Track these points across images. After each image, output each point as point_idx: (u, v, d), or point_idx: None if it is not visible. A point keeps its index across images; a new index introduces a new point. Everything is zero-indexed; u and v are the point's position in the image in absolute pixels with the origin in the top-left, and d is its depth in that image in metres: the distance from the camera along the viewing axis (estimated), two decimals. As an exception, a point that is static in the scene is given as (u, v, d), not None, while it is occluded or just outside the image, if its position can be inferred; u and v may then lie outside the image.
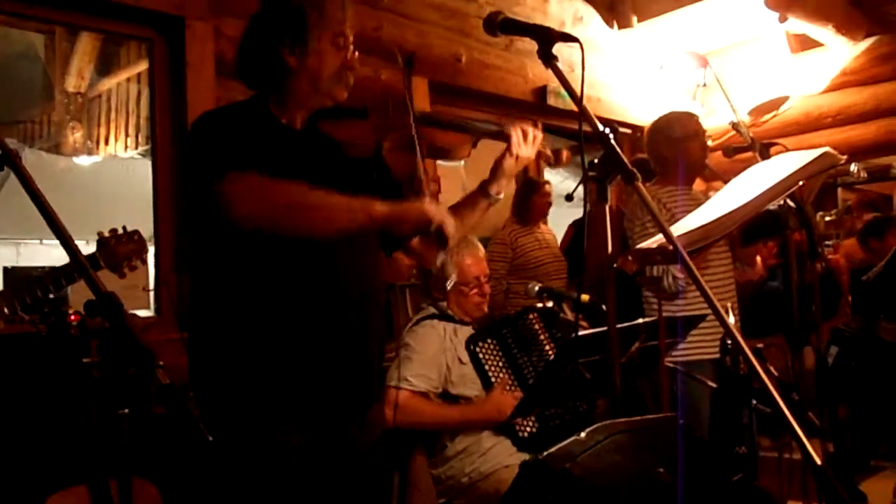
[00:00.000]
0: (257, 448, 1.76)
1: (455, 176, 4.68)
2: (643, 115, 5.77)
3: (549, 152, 2.19)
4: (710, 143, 3.44)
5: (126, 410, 1.67)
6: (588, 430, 1.34)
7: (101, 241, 2.32)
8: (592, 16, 5.48)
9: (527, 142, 2.09)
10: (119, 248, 2.28)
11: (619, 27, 5.58)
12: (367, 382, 1.95)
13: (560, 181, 7.68)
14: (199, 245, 1.90)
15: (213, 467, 1.74)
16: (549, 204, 4.86)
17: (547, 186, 4.88)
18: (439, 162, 2.31)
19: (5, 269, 6.45)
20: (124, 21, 3.45)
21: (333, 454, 1.86)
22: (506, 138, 2.09)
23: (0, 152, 1.29)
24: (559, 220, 5.53)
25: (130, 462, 1.73)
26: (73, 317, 2.67)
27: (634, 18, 5.51)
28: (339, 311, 1.84)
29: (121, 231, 2.30)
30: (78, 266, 1.25)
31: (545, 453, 1.30)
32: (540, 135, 2.13)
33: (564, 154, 2.22)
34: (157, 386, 1.13)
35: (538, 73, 4.94)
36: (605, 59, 5.51)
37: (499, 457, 2.77)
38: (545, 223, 4.81)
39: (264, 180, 1.69)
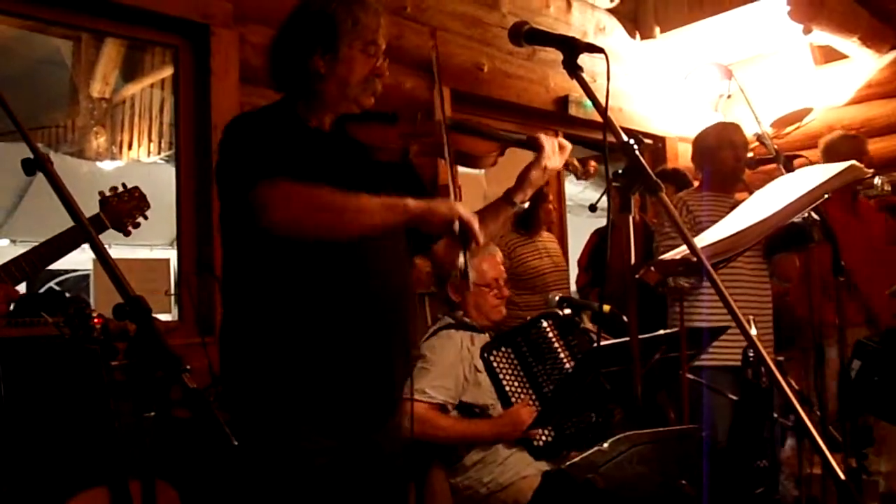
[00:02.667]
0: (283, 451, 1.77)
1: (476, 183, 4.68)
2: (665, 125, 5.77)
3: (576, 163, 2.19)
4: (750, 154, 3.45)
5: (151, 413, 1.67)
6: (611, 440, 1.34)
7: (103, 201, 2.33)
8: (615, 26, 5.48)
9: (555, 152, 2.09)
10: (121, 206, 2.29)
11: (642, 37, 5.57)
12: (393, 389, 1.96)
13: (579, 191, 7.66)
14: (230, 252, 1.91)
15: (237, 471, 1.75)
16: (553, 213, 4.83)
17: (552, 195, 4.86)
18: (461, 168, 2.31)
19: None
20: (150, 28, 3.49)
21: (358, 458, 1.87)
22: (535, 147, 2.10)
23: (32, 157, 1.31)
24: (580, 230, 5.52)
25: (154, 465, 1.73)
26: (96, 319, 2.70)
27: (657, 29, 5.50)
28: (370, 318, 1.85)
29: (121, 189, 2.31)
30: (107, 268, 1.26)
31: (568, 463, 1.29)
32: (569, 146, 2.14)
33: (592, 166, 2.22)
34: (183, 390, 1.13)
35: (560, 82, 4.94)
36: (627, 69, 5.51)
37: (516, 466, 2.77)
38: (548, 231, 4.78)
39: (296, 185, 1.70)
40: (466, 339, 2.88)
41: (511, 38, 1.89)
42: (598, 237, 5.28)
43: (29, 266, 1.99)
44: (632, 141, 1.73)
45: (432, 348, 2.85)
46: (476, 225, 1.81)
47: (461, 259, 1.85)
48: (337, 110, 1.95)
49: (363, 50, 1.90)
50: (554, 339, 2.93)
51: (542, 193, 4.79)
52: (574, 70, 1.81)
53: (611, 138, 1.71)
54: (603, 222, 5.99)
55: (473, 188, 4.53)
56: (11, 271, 1.96)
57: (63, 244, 2.02)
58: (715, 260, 2.00)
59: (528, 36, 1.87)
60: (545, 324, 2.95)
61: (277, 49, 1.95)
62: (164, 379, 1.12)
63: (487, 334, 2.96)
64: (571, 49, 1.79)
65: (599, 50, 1.78)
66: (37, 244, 2.01)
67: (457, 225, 1.79)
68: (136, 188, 2.41)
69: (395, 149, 1.96)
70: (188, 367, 1.14)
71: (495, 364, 2.85)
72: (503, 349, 2.90)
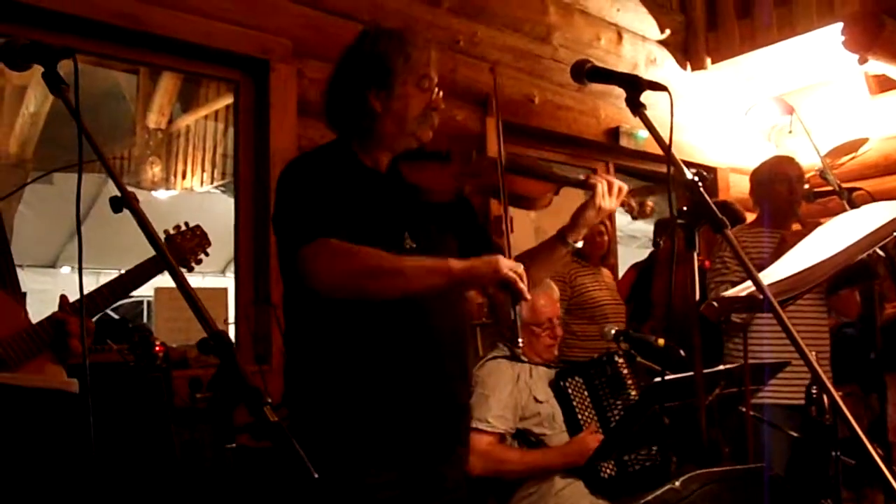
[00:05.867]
0: (348, 486, 1.78)
1: (525, 217, 4.69)
2: (717, 156, 5.73)
3: (633, 203, 2.19)
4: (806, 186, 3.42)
5: (233, 445, 1.70)
6: (683, 478, 1.33)
7: (168, 238, 2.40)
8: (666, 58, 5.48)
9: (611, 194, 2.08)
10: (185, 244, 2.36)
11: (693, 69, 5.56)
12: (455, 421, 1.97)
13: (627, 223, 7.62)
14: (290, 288, 1.94)
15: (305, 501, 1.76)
16: (608, 244, 4.79)
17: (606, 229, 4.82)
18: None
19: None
20: (212, 63, 3.58)
21: (424, 491, 1.87)
22: (590, 188, 2.08)
23: (120, 196, 1.35)
24: (628, 262, 5.50)
25: (237, 493, 1.76)
26: (158, 347, 2.76)
27: (708, 60, 5.49)
28: (429, 350, 1.86)
29: (184, 227, 2.38)
30: (188, 298, 1.29)
31: (641, 502, 1.29)
32: (625, 188, 2.12)
33: (649, 206, 2.21)
34: (264, 423, 1.16)
35: (610, 113, 4.95)
36: (678, 100, 5.47)
37: (571, 498, 2.74)
38: (605, 265, 4.75)
39: (340, 250, 1.72)
40: (525, 371, 2.88)
41: (573, 76, 1.90)
42: (637, 271, 5.25)
43: (111, 296, 2.04)
44: (696, 178, 1.73)
45: (487, 376, 2.85)
46: (522, 284, 1.77)
47: (511, 314, 1.83)
48: (395, 147, 1.97)
49: (417, 85, 1.92)
50: (627, 376, 2.93)
51: (600, 225, 4.73)
52: (637, 107, 1.82)
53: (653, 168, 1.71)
54: (642, 254, 5.94)
55: (522, 219, 4.53)
56: (96, 302, 2.02)
57: (139, 277, 2.08)
58: (781, 298, 1.98)
59: (590, 74, 1.88)
60: (620, 359, 2.95)
61: (332, 89, 1.98)
62: (248, 411, 1.14)
63: (547, 367, 2.96)
64: (634, 87, 1.81)
65: (663, 88, 1.79)
66: (115, 276, 2.06)
67: (503, 281, 1.76)
68: (198, 226, 2.47)
69: (448, 190, 1.98)
70: (269, 399, 1.16)
71: (570, 391, 2.85)
72: (576, 378, 2.91)
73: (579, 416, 2.83)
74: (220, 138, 6.34)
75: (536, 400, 2.84)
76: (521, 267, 1.79)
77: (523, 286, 1.77)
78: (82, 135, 1.46)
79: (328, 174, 1.86)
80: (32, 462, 1.21)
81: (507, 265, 1.77)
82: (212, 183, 6.65)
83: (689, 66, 5.58)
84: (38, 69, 1.53)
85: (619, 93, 1.80)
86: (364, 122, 1.93)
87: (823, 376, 1.50)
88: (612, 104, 4.91)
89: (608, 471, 2.79)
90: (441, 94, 1.98)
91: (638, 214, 2.22)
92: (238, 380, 1.19)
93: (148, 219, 1.36)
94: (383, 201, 1.90)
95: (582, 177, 2.11)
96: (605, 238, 4.63)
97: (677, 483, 1.31)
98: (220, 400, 1.89)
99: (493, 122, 4.33)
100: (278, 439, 1.15)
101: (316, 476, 1.13)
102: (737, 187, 5.71)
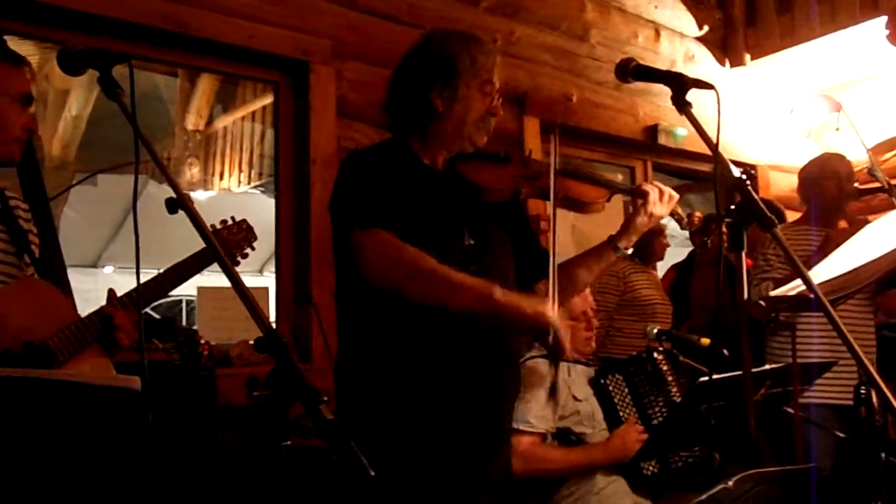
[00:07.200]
0: (404, 481, 1.79)
1: (564, 216, 4.67)
2: (757, 154, 5.66)
3: (681, 212, 2.18)
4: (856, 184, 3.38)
5: (287, 443, 1.72)
6: (735, 478, 1.33)
7: (215, 233, 2.42)
8: (704, 54, 5.43)
9: (662, 201, 2.08)
10: (231, 238, 2.38)
11: (732, 65, 5.50)
12: (501, 422, 1.97)
13: (666, 220, 7.54)
14: (343, 283, 1.95)
15: (357, 499, 1.77)
16: (667, 246, 4.76)
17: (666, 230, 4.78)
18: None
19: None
20: (253, 65, 3.63)
21: (471, 489, 1.88)
22: (641, 195, 2.09)
23: (175, 197, 1.38)
24: (668, 261, 5.44)
25: (290, 493, 1.78)
26: (203, 346, 2.80)
27: (747, 56, 5.42)
28: (480, 349, 1.86)
29: (230, 222, 2.41)
30: (242, 296, 1.31)
31: (695, 501, 1.29)
32: (676, 196, 2.12)
33: (696, 216, 2.21)
34: (320, 421, 1.17)
35: (649, 111, 4.92)
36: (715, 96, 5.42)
37: (613, 497, 2.73)
38: (655, 268, 4.72)
39: (396, 245, 1.73)
40: (563, 369, 2.87)
41: (618, 76, 1.90)
42: (676, 272, 5.20)
43: (158, 290, 2.07)
44: (744, 176, 1.72)
45: (526, 376, 2.84)
46: (567, 342, 1.74)
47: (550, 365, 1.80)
48: (451, 149, 1.98)
49: (480, 89, 1.94)
50: (668, 373, 2.91)
51: (658, 227, 4.70)
52: (683, 106, 1.80)
53: (700, 165, 1.69)
54: (681, 253, 5.84)
55: (562, 221, 4.51)
56: (144, 297, 2.04)
57: (184, 271, 2.10)
58: (832, 297, 1.96)
59: (635, 72, 1.87)
60: (659, 357, 2.93)
61: (396, 85, 1.99)
62: (305, 410, 1.15)
63: (585, 365, 2.95)
64: (680, 85, 1.79)
65: (709, 86, 1.78)
66: (162, 270, 2.09)
67: (550, 338, 1.72)
68: (244, 220, 2.49)
69: (505, 190, 1.98)
70: (325, 398, 1.18)
71: (611, 388, 2.85)
72: (617, 375, 2.90)
73: (621, 414, 2.82)
74: (258, 139, 6.40)
75: (575, 398, 2.83)
76: (565, 328, 1.77)
77: (567, 343, 1.75)
78: (138, 138, 1.48)
79: (390, 168, 1.88)
80: (94, 459, 1.24)
81: (553, 316, 1.72)
82: (249, 183, 6.71)
83: (727, 63, 5.52)
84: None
85: (658, 90, 1.80)
86: (423, 121, 1.95)
87: (877, 377, 1.48)
88: (650, 102, 4.88)
89: (650, 468, 2.78)
90: (500, 100, 1.99)
91: (686, 225, 2.21)
92: (295, 378, 1.21)
93: (203, 219, 1.39)
94: (443, 198, 1.92)
95: (631, 185, 2.11)
96: (666, 241, 4.62)
97: (730, 483, 1.31)
98: (276, 398, 1.91)
99: (528, 122, 4.33)
100: (334, 437, 1.16)
101: (372, 474, 1.14)
102: (776, 185, 5.64)
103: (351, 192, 1.87)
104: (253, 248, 2.59)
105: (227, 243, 2.45)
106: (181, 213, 1.39)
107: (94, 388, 1.15)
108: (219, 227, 2.51)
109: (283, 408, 1.15)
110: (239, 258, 2.51)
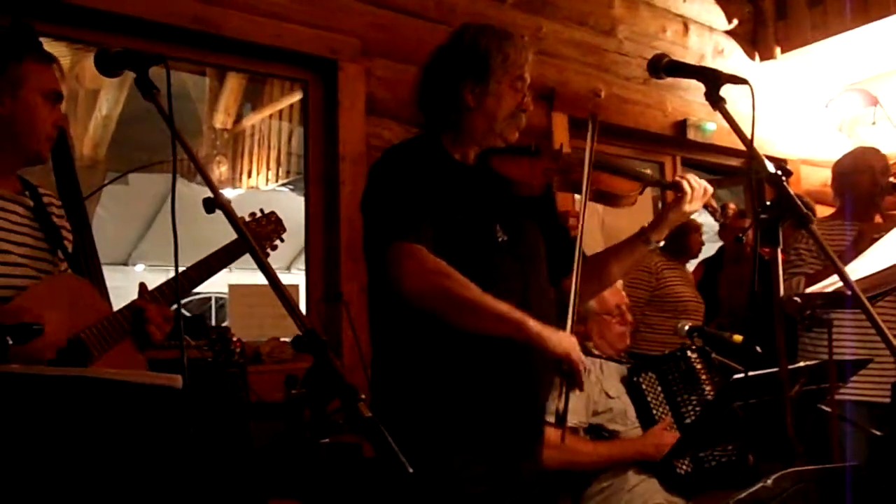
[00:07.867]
0: (442, 477, 1.79)
1: (592, 210, 4.65)
2: (788, 148, 5.59)
3: (715, 205, 2.16)
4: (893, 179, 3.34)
5: (326, 440, 1.73)
6: (774, 476, 1.31)
7: (245, 224, 2.44)
8: (733, 48, 5.38)
9: (697, 194, 2.07)
10: (260, 230, 2.39)
11: (762, 59, 5.44)
12: (538, 417, 1.97)
13: (699, 213, 7.49)
14: (375, 280, 1.95)
15: (395, 496, 1.78)
16: (703, 244, 4.72)
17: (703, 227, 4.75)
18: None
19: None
20: (282, 63, 3.64)
21: (506, 485, 1.88)
22: (675, 189, 2.08)
23: (212, 197, 1.39)
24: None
25: (327, 490, 1.79)
26: (235, 343, 2.82)
27: (777, 49, 5.36)
28: (519, 349, 1.84)
29: (259, 214, 2.42)
30: (279, 293, 1.31)
31: (734, 499, 1.28)
32: (711, 189, 2.11)
33: (732, 209, 2.19)
34: (359, 418, 1.18)
35: (677, 106, 4.88)
36: (747, 91, 5.37)
37: (645, 495, 2.71)
38: (688, 264, 4.67)
39: (431, 263, 1.74)
40: (595, 365, 2.86)
41: (651, 72, 1.89)
42: (706, 267, 5.15)
43: (188, 284, 2.08)
44: (779, 172, 1.70)
45: None
46: (582, 375, 1.79)
47: (561, 401, 1.81)
48: (482, 144, 1.98)
49: (511, 85, 1.94)
50: (701, 371, 2.89)
51: (695, 224, 4.66)
52: (717, 101, 1.80)
53: (728, 159, 1.68)
54: (711, 249, 5.76)
55: (591, 217, 4.50)
56: (175, 288, 2.05)
57: (214, 264, 2.11)
58: (869, 294, 1.93)
59: (668, 68, 1.87)
60: (693, 355, 2.91)
61: (428, 79, 1.99)
62: (342, 408, 1.16)
63: (617, 362, 2.94)
64: (714, 81, 1.79)
65: (743, 81, 1.77)
66: (191, 264, 2.10)
67: (565, 365, 1.77)
68: (272, 213, 2.51)
69: (537, 184, 1.98)
70: (363, 396, 1.18)
71: (644, 386, 2.84)
72: (649, 374, 2.88)
73: (654, 412, 2.80)
74: (286, 137, 6.44)
75: (608, 395, 2.82)
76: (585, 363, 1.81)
77: (583, 379, 1.79)
78: (175, 138, 1.50)
79: (423, 166, 1.88)
80: (134, 456, 1.26)
81: (574, 350, 1.78)
82: (276, 181, 6.76)
83: (757, 57, 5.46)
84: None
85: (687, 85, 1.80)
86: (454, 116, 1.95)
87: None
88: (679, 97, 4.84)
89: (684, 467, 2.76)
90: (531, 97, 1.99)
91: (720, 218, 2.20)
92: (333, 376, 1.21)
93: (239, 218, 1.40)
94: (474, 194, 1.92)
95: (665, 179, 2.09)
96: (702, 238, 4.58)
97: (769, 481, 1.30)
98: (311, 396, 1.92)
99: (557, 118, 4.31)
100: (373, 435, 1.17)
101: (411, 471, 1.14)
102: (808, 180, 5.57)
103: (387, 197, 1.85)
104: (282, 240, 2.60)
105: (257, 235, 2.46)
106: (218, 213, 1.40)
107: (137, 386, 1.17)
108: (248, 219, 2.52)
109: (321, 405, 1.16)
110: (269, 250, 2.52)
